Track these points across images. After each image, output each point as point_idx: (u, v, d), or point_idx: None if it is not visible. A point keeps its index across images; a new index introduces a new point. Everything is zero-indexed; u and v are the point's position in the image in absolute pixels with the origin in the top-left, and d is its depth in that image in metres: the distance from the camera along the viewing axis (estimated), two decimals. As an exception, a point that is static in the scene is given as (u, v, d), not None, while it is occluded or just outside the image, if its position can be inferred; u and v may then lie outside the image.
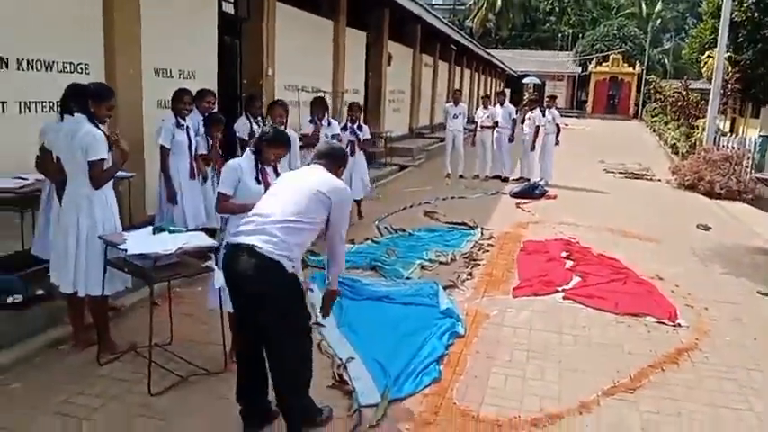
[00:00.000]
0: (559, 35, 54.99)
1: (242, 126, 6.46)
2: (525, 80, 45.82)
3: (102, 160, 3.71)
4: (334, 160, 3.31)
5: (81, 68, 5.74)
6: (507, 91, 18.50)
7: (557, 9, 57.62)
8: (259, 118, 6.60)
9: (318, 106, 7.35)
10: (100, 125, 3.78)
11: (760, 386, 4.04)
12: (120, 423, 3.29)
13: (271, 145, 3.63)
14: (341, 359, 4.08)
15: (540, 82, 47.24)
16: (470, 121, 13.10)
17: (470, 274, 6.11)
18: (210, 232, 4.58)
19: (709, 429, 3.48)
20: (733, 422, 3.57)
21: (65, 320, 4.23)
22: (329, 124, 7.39)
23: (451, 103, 12.92)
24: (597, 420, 3.52)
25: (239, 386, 3.24)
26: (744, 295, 5.91)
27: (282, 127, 5.27)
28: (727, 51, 14.41)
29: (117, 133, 3.93)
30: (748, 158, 12.65)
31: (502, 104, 12.63)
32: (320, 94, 9.19)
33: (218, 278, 3.68)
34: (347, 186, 3.30)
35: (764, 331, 5.00)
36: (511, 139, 12.48)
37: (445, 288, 5.52)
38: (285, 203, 3.01)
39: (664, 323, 5.04)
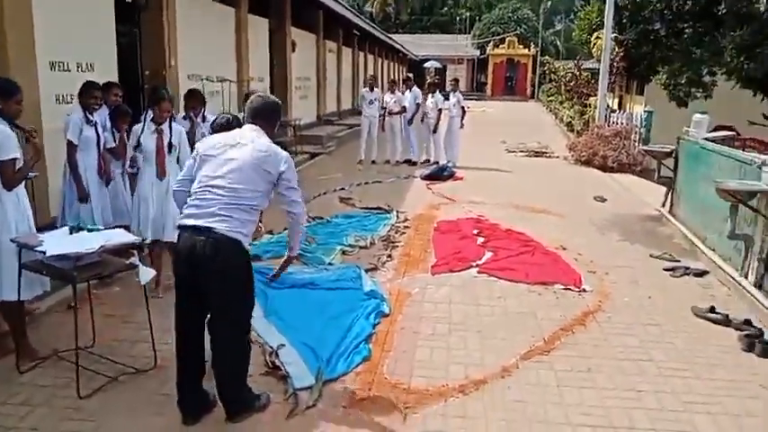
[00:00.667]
0: (457, 18, 56.31)
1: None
2: (426, 64, 46.68)
3: (14, 159, 3.57)
4: (269, 118, 3.31)
5: (-30, 64, 5.40)
6: (411, 75, 18.80)
7: (454, -8, 58.99)
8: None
9: (193, 99, 6.39)
10: (12, 122, 3.62)
11: (657, 339, 4.48)
12: (51, 428, 3.21)
13: None
14: (271, 347, 4.14)
15: (441, 66, 48.30)
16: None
17: (390, 255, 6.30)
18: (124, 229, 4.49)
19: (615, 380, 3.84)
20: (636, 372, 3.96)
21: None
22: (204, 120, 6.36)
23: (367, 89, 13.04)
24: (518, 382, 3.79)
25: (179, 377, 3.26)
26: (638, 260, 6.45)
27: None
28: (613, 32, 15.36)
29: (34, 130, 3.78)
30: (636, 133, 13.61)
31: (410, 89, 12.87)
32: (197, 86, 8.68)
33: (144, 273, 3.66)
34: (282, 151, 3.26)
35: (658, 291, 5.51)
36: (409, 122, 12.74)
37: (367, 271, 5.68)
38: (230, 182, 3.05)
39: (570, 289, 5.45)
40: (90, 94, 5.15)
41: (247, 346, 3.29)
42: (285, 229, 7.06)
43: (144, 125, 5.05)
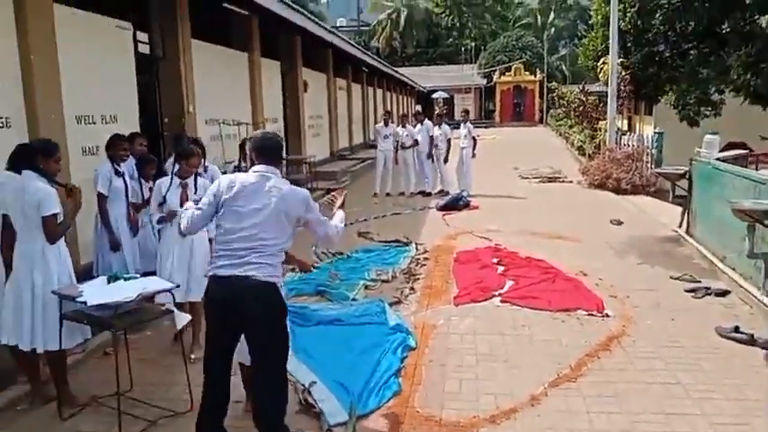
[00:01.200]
0: (462, 49, 57.05)
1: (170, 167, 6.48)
2: (435, 95, 47.23)
3: (56, 215, 3.75)
4: (273, 155, 3.39)
5: (2, 122, 5.64)
6: (420, 109, 19.06)
7: (458, 24, 59.82)
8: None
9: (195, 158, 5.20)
10: (51, 179, 3.82)
11: (683, 361, 4.51)
12: (97, 474, 3.32)
13: None
14: (303, 384, 4.23)
15: (448, 96, 48.83)
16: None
17: (412, 288, 6.40)
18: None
19: (644, 404, 3.88)
20: (664, 395, 4.00)
21: (18, 381, 4.18)
22: (206, 170, 5.96)
23: (382, 124, 13.31)
24: (548, 409, 3.85)
25: (203, 419, 3.37)
26: (659, 282, 6.49)
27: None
28: (619, 57, 15.57)
29: (74, 185, 3.98)
30: (647, 154, 13.69)
31: (421, 123, 13.09)
32: (214, 131, 8.45)
33: (179, 319, 3.79)
34: (300, 190, 3.40)
35: (680, 312, 5.55)
36: (429, 156, 12.95)
37: (391, 305, 5.78)
38: (259, 232, 3.19)
39: (593, 315, 5.50)
40: (119, 147, 5.37)
41: (287, 382, 3.43)
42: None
43: (171, 180, 4.84)
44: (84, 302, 3.52)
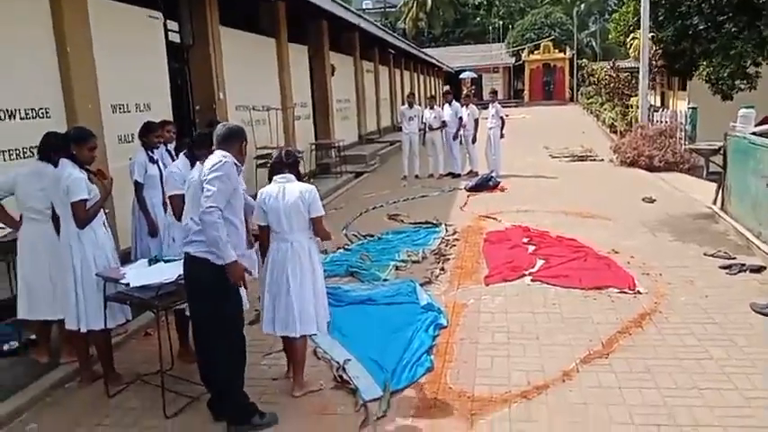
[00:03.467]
0: (490, 28, 56.30)
1: None
2: (462, 75, 46.78)
3: (84, 200, 3.89)
4: (232, 139, 3.56)
5: (42, 113, 5.83)
6: (448, 89, 18.95)
7: (485, 2, 58.99)
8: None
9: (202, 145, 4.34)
10: (84, 166, 3.96)
11: (716, 337, 4.49)
12: (145, 446, 3.49)
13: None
14: (338, 362, 4.34)
15: (476, 75, 48.34)
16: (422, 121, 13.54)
17: (443, 268, 6.46)
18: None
19: (676, 380, 3.90)
20: (697, 371, 4.00)
21: (60, 361, 4.39)
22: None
23: (406, 106, 13.28)
24: (579, 385, 3.89)
25: None
26: (692, 258, 6.43)
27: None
28: (651, 30, 15.24)
29: (100, 171, 4.12)
30: (681, 130, 13.43)
31: (450, 104, 13.01)
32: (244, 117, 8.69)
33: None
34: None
35: (714, 289, 5.50)
36: (454, 138, 12.87)
37: (422, 285, 5.85)
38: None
39: (625, 292, 5.49)
40: (152, 133, 5.50)
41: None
42: (338, 248, 7.36)
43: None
44: (127, 284, 3.67)
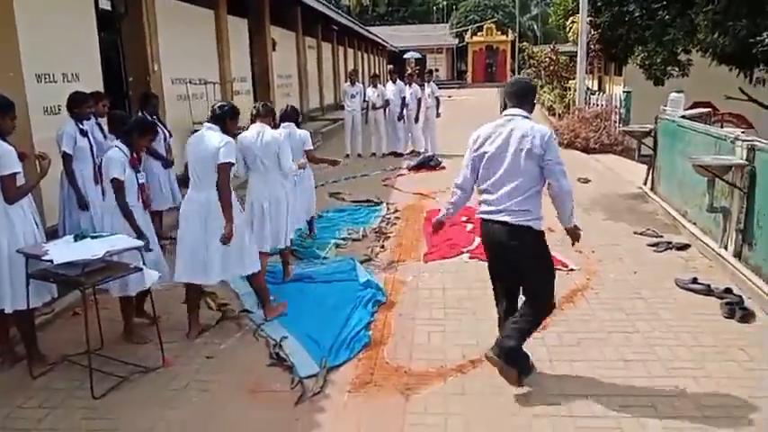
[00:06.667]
0: (434, 8, 56.36)
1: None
2: (406, 55, 46.74)
3: (14, 174, 3.68)
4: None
5: (-44, 81, 5.47)
6: (392, 67, 18.82)
7: (430, -19, 58.98)
8: (155, 117, 6.56)
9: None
10: (6, 138, 3.73)
11: (643, 312, 4.68)
12: (71, 427, 3.36)
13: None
14: (274, 339, 4.30)
15: (420, 56, 48.39)
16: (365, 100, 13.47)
17: (383, 246, 6.48)
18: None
19: (604, 352, 4.04)
20: (624, 343, 4.16)
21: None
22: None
23: (348, 84, 13.15)
24: (512, 359, 3.97)
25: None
26: (623, 237, 6.67)
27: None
28: (589, 15, 15.55)
29: (44, 154, 3.92)
30: (616, 113, 13.83)
31: (394, 82, 12.95)
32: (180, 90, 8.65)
33: (149, 276, 3.79)
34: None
35: (642, 266, 5.72)
36: (399, 118, 12.84)
37: (362, 262, 5.85)
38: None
39: (559, 269, 5.61)
40: (82, 104, 5.25)
41: None
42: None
43: None
44: (51, 261, 3.50)
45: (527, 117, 3.61)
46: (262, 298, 4.68)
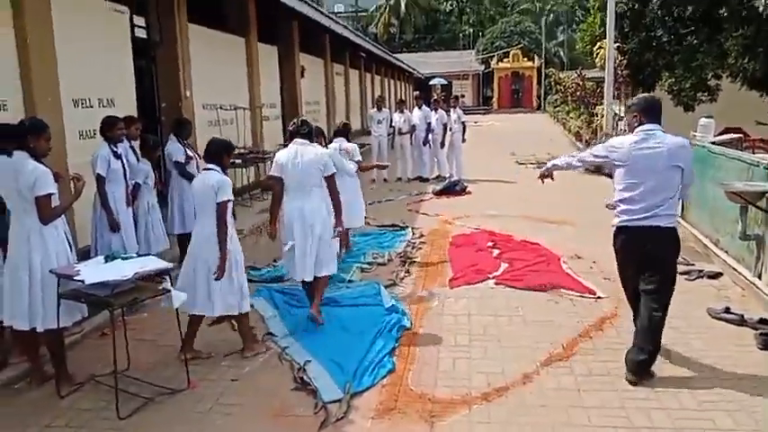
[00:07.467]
0: (461, 35, 56.83)
1: (176, 150, 6.52)
2: (432, 81, 47.02)
3: (50, 195, 3.77)
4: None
5: (-1, 105, 5.65)
6: (418, 93, 19.01)
7: (456, 9, 59.53)
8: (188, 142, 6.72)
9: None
10: (41, 160, 3.85)
11: (674, 341, 4.56)
12: (96, 448, 3.38)
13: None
14: (298, 363, 4.29)
15: (446, 82, 48.63)
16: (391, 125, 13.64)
17: (408, 271, 6.45)
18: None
19: (634, 383, 3.95)
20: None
21: (10, 361, 4.24)
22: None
23: (375, 110, 13.31)
24: (540, 387, 3.91)
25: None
26: (652, 264, 6.53)
27: None
28: (616, 41, 15.53)
29: (79, 176, 4.05)
30: (644, 139, 13.66)
31: (420, 108, 13.06)
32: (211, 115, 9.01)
33: (177, 298, 3.83)
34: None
35: (673, 294, 5.57)
36: (425, 143, 12.90)
37: (386, 287, 5.83)
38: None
39: (585, 297, 5.55)
40: (114, 127, 5.38)
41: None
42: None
43: None
44: (82, 281, 3.56)
45: (663, 131, 3.99)
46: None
